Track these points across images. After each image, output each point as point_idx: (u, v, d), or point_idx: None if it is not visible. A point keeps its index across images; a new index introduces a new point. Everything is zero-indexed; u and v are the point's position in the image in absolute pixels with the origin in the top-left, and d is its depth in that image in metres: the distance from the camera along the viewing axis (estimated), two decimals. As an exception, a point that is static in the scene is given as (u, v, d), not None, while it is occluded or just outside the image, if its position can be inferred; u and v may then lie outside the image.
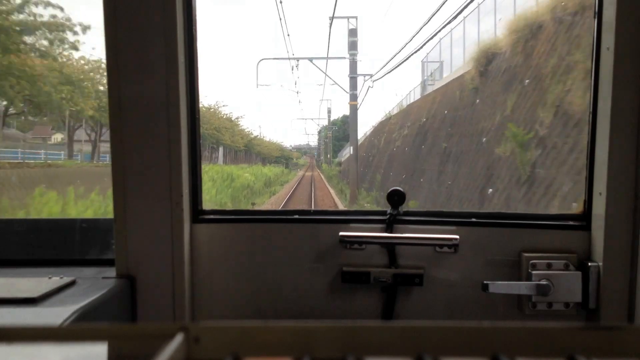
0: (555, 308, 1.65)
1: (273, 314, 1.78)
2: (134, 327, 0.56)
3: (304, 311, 1.76)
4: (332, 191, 30.47)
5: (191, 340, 0.55)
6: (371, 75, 26.43)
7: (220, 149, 46.80)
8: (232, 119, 50.47)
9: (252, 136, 63.95)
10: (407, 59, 23.34)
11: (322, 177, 52.25)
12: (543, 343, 0.54)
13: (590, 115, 1.64)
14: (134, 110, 1.62)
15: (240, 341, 0.55)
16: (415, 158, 19.77)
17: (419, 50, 24.59)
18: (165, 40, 1.60)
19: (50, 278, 1.56)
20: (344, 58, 24.23)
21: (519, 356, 0.53)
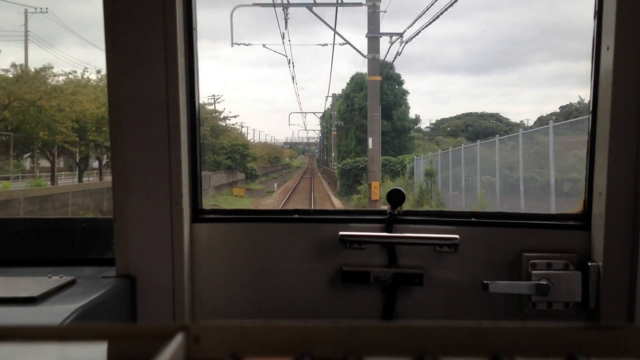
0: (555, 308, 1.65)
1: (273, 313, 1.78)
2: (134, 327, 0.56)
3: (304, 311, 1.76)
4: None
5: (191, 340, 0.55)
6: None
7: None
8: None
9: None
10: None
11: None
12: (543, 343, 0.54)
13: (590, 116, 1.64)
14: (133, 110, 1.62)
15: (240, 341, 0.55)
16: None
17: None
18: (165, 40, 1.60)
19: (50, 277, 1.56)
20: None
21: (519, 356, 0.53)
